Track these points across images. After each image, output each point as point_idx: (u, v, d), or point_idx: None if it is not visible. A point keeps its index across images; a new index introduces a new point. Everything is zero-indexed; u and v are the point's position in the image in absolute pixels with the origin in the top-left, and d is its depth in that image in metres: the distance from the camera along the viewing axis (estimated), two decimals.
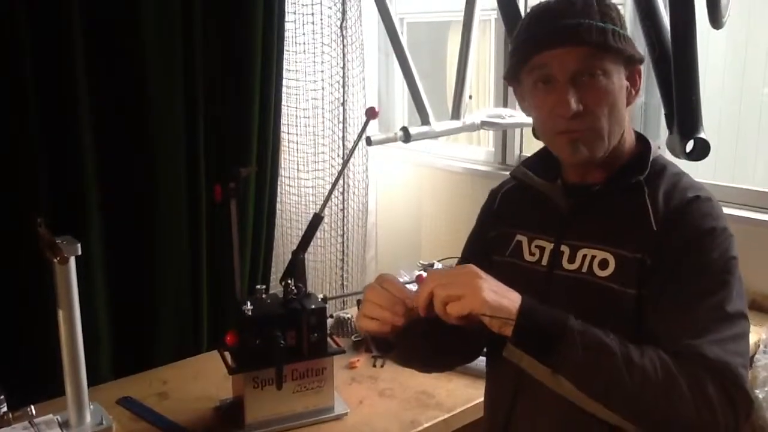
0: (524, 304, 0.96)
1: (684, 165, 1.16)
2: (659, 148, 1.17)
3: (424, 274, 1.82)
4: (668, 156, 1.62)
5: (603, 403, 0.94)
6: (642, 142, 1.14)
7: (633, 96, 1.09)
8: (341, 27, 2.69)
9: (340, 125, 2.78)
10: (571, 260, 1.10)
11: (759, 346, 1.83)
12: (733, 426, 0.92)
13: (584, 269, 1.08)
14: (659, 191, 1.06)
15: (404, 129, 2.39)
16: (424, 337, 1.11)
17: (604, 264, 1.06)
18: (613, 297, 1.04)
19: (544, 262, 1.14)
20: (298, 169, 2.77)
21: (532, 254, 1.17)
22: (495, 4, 2.11)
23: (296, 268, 1.52)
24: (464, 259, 1.36)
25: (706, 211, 1.04)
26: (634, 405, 0.93)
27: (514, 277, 1.18)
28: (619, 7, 2.37)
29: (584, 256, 1.09)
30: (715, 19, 1.68)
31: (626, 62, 1.06)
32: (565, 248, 1.12)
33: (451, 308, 0.94)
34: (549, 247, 1.14)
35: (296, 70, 2.65)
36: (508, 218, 1.24)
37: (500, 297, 0.95)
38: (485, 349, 1.27)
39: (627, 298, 1.03)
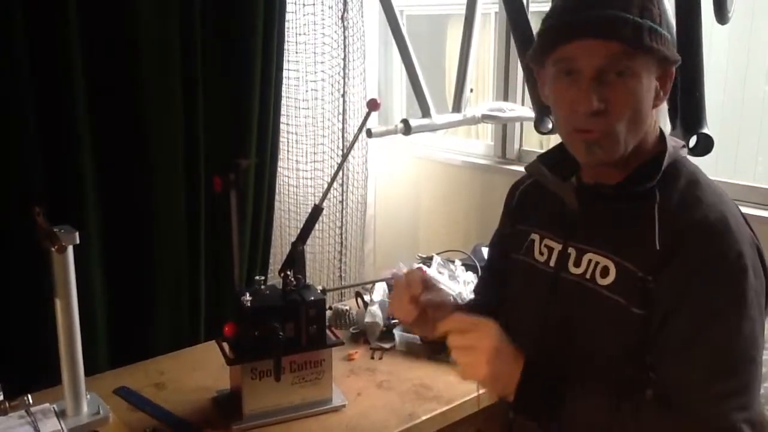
0: (521, 384, 0.99)
1: None
2: (684, 146, 1.09)
3: (424, 267, 1.82)
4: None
5: None
6: (663, 143, 1.06)
7: (660, 98, 1.02)
8: (342, 18, 2.67)
9: (340, 117, 2.77)
10: (577, 264, 1.07)
11: None
12: None
13: (588, 275, 1.05)
14: (672, 202, 1.00)
15: (405, 121, 2.38)
16: None
17: (605, 271, 1.03)
18: (618, 312, 1.00)
19: (552, 263, 1.11)
20: (297, 161, 2.76)
21: (541, 253, 1.14)
22: None
23: (295, 259, 1.51)
24: (489, 259, 1.37)
25: (717, 235, 0.96)
26: None
27: (526, 277, 1.16)
28: None
29: (589, 261, 1.05)
30: (721, 14, 1.67)
31: (659, 62, 0.99)
32: (572, 250, 1.09)
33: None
34: (557, 248, 1.11)
35: (296, 61, 2.63)
36: (525, 215, 1.21)
37: (499, 372, 1.00)
38: None
39: (633, 317, 0.99)
